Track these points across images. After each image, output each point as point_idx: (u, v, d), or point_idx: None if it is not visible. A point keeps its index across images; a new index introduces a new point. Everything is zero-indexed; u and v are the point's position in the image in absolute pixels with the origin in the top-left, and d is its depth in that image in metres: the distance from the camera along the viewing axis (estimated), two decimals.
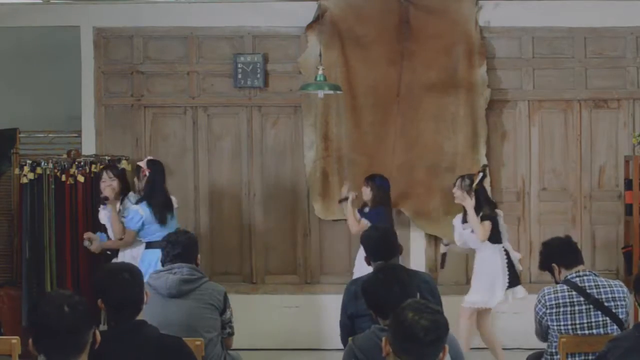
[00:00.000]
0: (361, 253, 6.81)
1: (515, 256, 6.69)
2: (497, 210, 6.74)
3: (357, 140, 7.94)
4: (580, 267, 4.67)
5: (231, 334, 4.94)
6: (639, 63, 8.02)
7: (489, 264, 6.58)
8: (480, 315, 6.70)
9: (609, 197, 8.05)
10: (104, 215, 6.76)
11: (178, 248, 4.81)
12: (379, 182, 7.16)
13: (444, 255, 6.99)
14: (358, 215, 7.19)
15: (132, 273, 3.75)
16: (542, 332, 4.76)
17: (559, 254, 4.76)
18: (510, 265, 6.61)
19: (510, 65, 8.04)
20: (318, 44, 7.72)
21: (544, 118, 8.08)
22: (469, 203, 6.54)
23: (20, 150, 7.84)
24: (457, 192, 6.69)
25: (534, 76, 8.04)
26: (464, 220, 6.70)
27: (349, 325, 4.66)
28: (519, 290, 6.63)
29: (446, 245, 6.94)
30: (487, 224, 6.54)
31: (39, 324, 2.99)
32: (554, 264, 4.74)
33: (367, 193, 7.13)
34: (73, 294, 3.08)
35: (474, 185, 6.61)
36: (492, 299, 6.57)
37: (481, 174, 6.70)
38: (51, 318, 2.97)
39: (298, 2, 8.00)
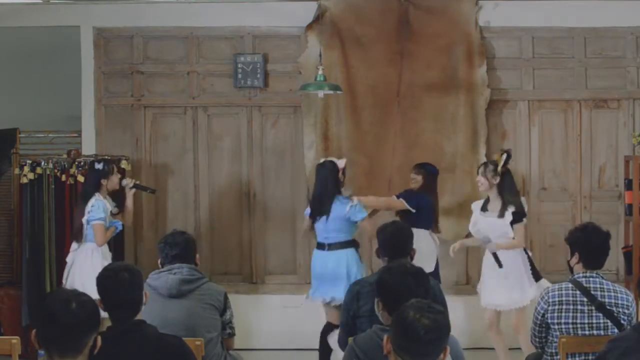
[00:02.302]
0: None
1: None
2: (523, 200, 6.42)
3: (357, 140, 7.95)
4: (596, 270, 4.57)
5: (232, 335, 4.93)
6: (639, 63, 8.02)
7: (513, 258, 6.33)
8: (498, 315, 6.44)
9: (609, 197, 8.06)
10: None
11: (176, 249, 4.79)
12: (429, 169, 7.06)
13: (495, 255, 6.40)
14: (394, 197, 7.12)
15: (131, 273, 3.75)
16: (539, 335, 4.66)
17: (589, 250, 4.57)
18: (531, 260, 6.39)
19: (510, 65, 8.04)
20: (318, 44, 7.73)
21: (544, 118, 8.08)
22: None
23: (20, 150, 7.84)
24: (481, 179, 6.36)
25: (534, 76, 8.04)
26: (485, 208, 6.40)
27: (351, 325, 4.65)
28: (543, 283, 6.28)
29: (487, 242, 6.39)
30: (523, 227, 6.32)
31: (45, 316, 3.00)
32: (577, 253, 4.59)
33: (417, 180, 7.00)
34: (82, 292, 3.10)
35: (499, 168, 6.29)
36: (525, 296, 6.28)
37: (505, 156, 6.34)
38: (57, 312, 2.99)
39: (298, 2, 8.00)
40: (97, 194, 6.70)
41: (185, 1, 8.17)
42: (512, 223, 6.29)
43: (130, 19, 8.11)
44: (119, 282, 3.69)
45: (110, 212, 6.80)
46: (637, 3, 7.91)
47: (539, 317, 4.61)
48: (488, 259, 6.44)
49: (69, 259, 6.76)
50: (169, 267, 4.74)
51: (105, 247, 6.78)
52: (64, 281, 6.71)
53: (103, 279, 3.76)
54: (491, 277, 6.38)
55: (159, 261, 4.86)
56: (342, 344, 4.73)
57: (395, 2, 7.90)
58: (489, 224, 6.35)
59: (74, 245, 6.77)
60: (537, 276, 6.38)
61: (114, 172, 6.84)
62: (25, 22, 8.13)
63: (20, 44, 9.03)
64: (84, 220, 6.65)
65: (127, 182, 7.00)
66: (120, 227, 6.83)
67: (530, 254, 6.51)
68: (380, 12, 7.92)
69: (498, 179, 6.30)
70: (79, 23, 8.12)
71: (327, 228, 6.46)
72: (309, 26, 7.92)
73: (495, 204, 6.36)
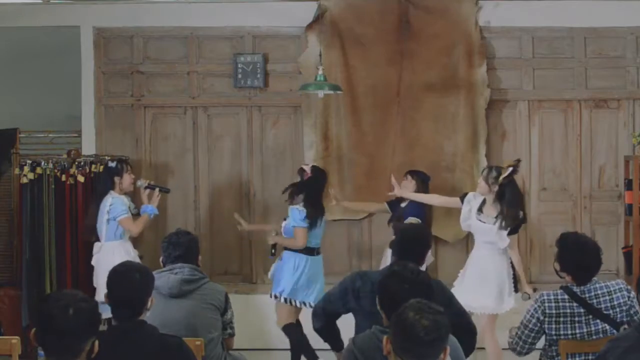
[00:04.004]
0: (388, 254, 6.85)
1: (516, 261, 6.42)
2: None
3: (357, 140, 7.95)
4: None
5: (232, 335, 4.94)
6: (639, 63, 8.02)
7: (498, 265, 6.30)
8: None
9: (609, 197, 8.05)
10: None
11: (179, 249, 4.80)
12: (422, 177, 7.12)
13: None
14: (386, 206, 7.19)
15: (143, 275, 3.77)
16: (529, 342, 4.55)
17: (583, 272, 4.49)
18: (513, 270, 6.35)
19: (510, 65, 8.04)
20: (318, 44, 7.72)
21: (544, 118, 8.08)
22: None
23: (20, 150, 7.83)
24: (481, 182, 6.30)
25: (534, 76, 8.04)
26: (480, 210, 6.32)
27: (334, 302, 4.74)
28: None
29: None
30: (514, 238, 6.30)
31: (43, 320, 3.02)
32: (570, 274, 4.49)
33: (410, 187, 7.03)
34: (83, 297, 3.09)
35: (501, 178, 6.21)
36: (502, 305, 6.24)
37: (510, 169, 6.25)
38: (55, 317, 3.00)
39: (298, 2, 8.00)
40: (112, 192, 6.78)
41: (185, 1, 8.17)
42: (508, 233, 6.25)
43: (130, 19, 8.11)
44: (128, 281, 3.72)
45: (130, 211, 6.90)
46: (637, 3, 7.91)
47: (535, 325, 4.50)
48: (472, 261, 6.42)
49: (93, 261, 6.83)
50: (170, 266, 4.75)
51: (130, 245, 6.88)
52: (94, 284, 6.78)
53: (114, 274, 3.79)
54: (471, 279, 6.34)
55: (160, 259, 4.87)
56: (319, 314, 4.84)
57: (395, 2, 7.90)
58: (481, 227, 6.33)
59: (96, 247, 6.83)
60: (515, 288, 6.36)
61: (128, 171, 6.91)
62: (25, 22, 8.13)
63: (20, 44, 9.03)
64: (103, 219, 6.76)
65: (142, 182, 7.05)
66: (153, 212, 6.92)
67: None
68: (380, 12, 7.91)
69: (497, 188, 6.24)
70: (79, 23, 8.12)
71: (319, 233, 6.82)
72: (309, 26, 7.92)
73: (491, 210, 6.29)
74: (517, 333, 4.63)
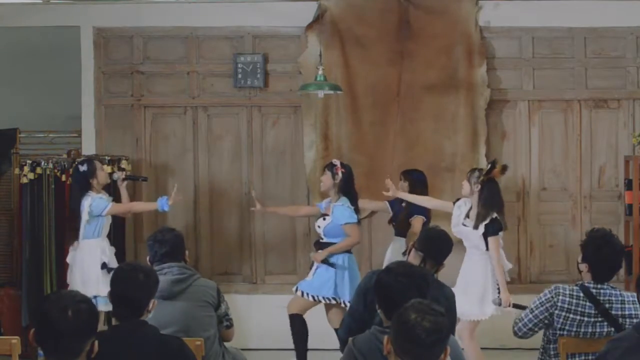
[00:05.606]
0: (392, 250, 6.88)
1: (506, 265, 6.40)
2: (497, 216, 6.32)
3: (357, 140, 7.95)
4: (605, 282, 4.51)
5: (229, 327, 4.87)
6: (639, 63, 8.02)
7: (482, 270, 6.32)
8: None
9: (609, 197, 8.05)
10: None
11: (166, 247, 4.74)
12: (416, 176, 7.15)
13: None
14: (387, 205, 7.18)
15: (147, 276, 3.76)
16: (532, 329, 4.54)
17: (602, 266, 4.48)
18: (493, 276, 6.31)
19: (510, 65, 8.04)
20: (318, 44, 7.73)
21: (544, 118, 8.08)
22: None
23: (20, 150, 7.84)
24: (464, 183, 6.43)
25: (534, 76, 8.04)
26: (467, 215, 6.39)
27: (364, 314, 4.65)
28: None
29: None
30: (497, 240, 6.26)
31: (42, 321, 3.01)
32: (588, 264, 4.50)
33: (405, 188, 7.07)
34: (82, 298, 3.09)
35: (480, 178, 6.31)
36: (484, 310, 6.24)
37: (489, 165, 6.45)
38: (53, 320, 2.99)
39: (298, 2, 8.01)
40: (90, 192, 6.74)
41: (185, 1, 8.18)
42: (485, 235, 6.27)
43: (130, 19, 8.11)
44: (131, 280, 3.72)
45: None
46: (637, 3, 7.92)
47: (541, 313, 4.48)
48: (462, 267, 6.43)
49: (69, 259, 6.79)
50: (158, 267, 4.66)
51: (106, 242, 6.82)
52: (68, 281, 6.76)
53: (118, 272, 3.81)
54: (459, 286, 6.28)
55: (147, 259, 4.83)
56: (348, 329, 4.72)
57: (395, 2, 7.90)
58: (464, 231, 6.37)
59: (74, 245, 6.81)
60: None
61: (100, 167, 6.84)
62: (25, 22, 8.13)
63: (20, 44, 9.03)
64: (84, 219, 6.71)
65: (118, 175, 7.02)
66: (163, 206, 6.85)
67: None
68: (380, 12, 7.92)
69: (478, 187, 6.31)
70: (79, 23, 8.12)
71: None
72: (309, 26, 7.92)
73: (475, 213, 6.35)
74: (523, 319, 4.59)
